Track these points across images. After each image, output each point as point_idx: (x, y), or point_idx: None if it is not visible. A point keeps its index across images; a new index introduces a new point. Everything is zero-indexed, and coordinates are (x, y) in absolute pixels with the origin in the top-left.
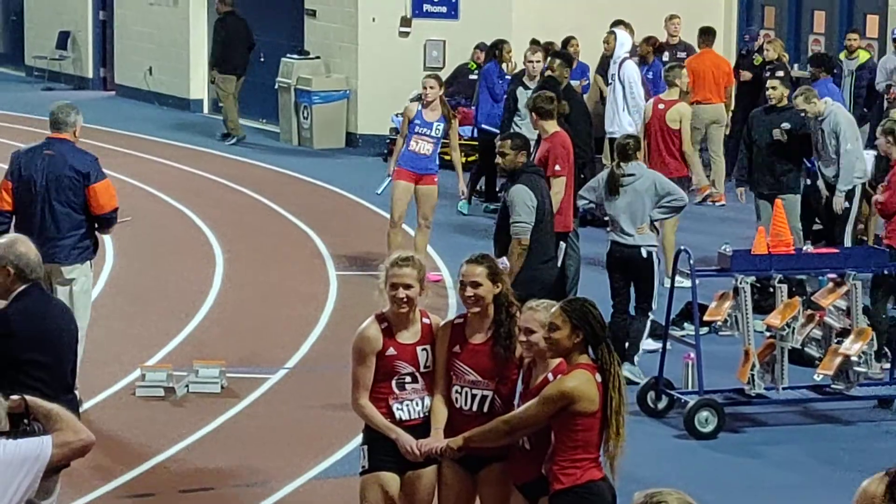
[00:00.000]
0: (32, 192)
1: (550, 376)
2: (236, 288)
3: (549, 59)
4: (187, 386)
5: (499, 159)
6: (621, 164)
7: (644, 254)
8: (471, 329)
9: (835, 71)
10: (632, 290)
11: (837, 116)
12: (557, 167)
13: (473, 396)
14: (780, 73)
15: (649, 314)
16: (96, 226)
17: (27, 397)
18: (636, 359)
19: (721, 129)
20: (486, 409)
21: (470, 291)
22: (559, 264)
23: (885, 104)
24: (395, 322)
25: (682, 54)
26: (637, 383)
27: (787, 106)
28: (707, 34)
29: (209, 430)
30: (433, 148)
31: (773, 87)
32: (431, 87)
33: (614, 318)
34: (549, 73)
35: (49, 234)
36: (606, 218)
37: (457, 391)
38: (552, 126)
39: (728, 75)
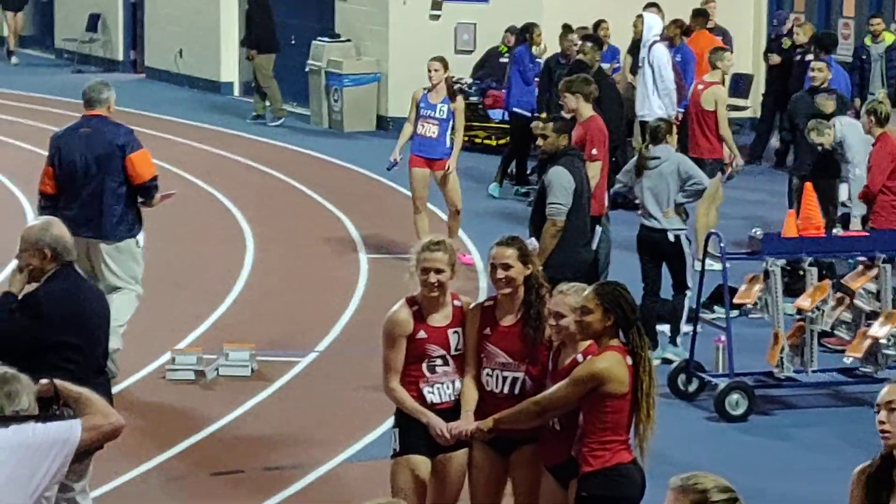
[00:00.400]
0: (75, 170)
1: (580, 357)
2: (266, 271)
3: (579, 42)
4: (217, 369)
5: (540, 141)
6: (650, 146)
7: (671, 238)
8: (501, 311)
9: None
10: (663, 272)
11: (848, 139)
12: (594, 151)
13: (504, 379)
14: (810, 57)
15: (686, 293)
16: (140, 200)
17: (56, 381)
18: (678, 339)
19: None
20: (516, 392)
21: (501, 274)
22: (594, 247)
23: None
24: (426, 305)
25: (718, 37)
26: (677, 363)
27: (830, 88)
28: (700, 16)
29: (239, 413)
30: (439, 130)
31: (820, 70)
32: (435, 70)
33: (644, 300)
34: (580, 56)
35: (94, 211)
36: (637, 201)
37: (487, 374)
38: (588, 110)
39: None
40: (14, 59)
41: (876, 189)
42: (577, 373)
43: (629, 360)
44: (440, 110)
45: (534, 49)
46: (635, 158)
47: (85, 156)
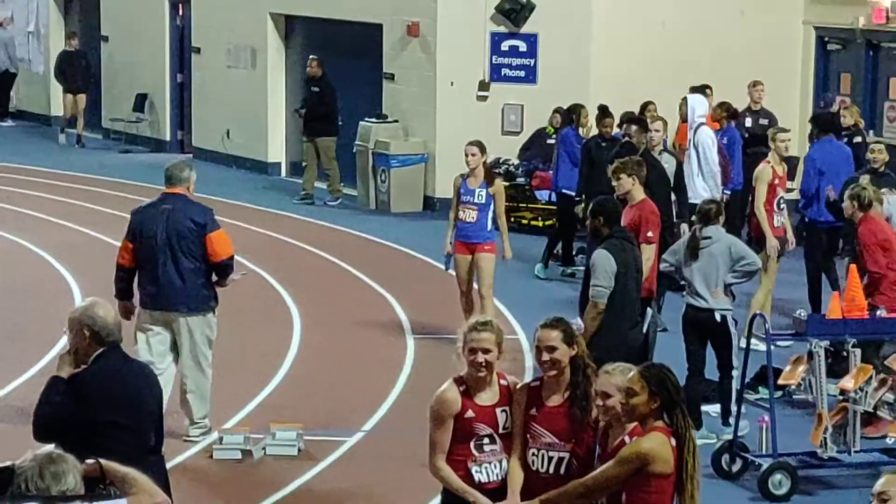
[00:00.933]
0: (154, 245)
1: (627, 439)
2: (314, 351)
3: (624, 125)
4: (264, 448)
5: (588, 223)
6: (702, 227)
7: (718, 317)
8: (547, 391)
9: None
10: (707, 352)
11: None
12: (650, 234)
13: (550, 459)
14: (858, 140)
15: (733, 373)
16: (214, 279)
17: (102, 461)
18: (730, 419)
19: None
20: (562, 472)
21: (546, 356)
22: (644, 330)
23: None
24: (473, 385)
25: (764, 121)
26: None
27: (886, 172)
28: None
29: (286, 492)
30: (478, 215)
31: (880, 151)
32: (473, 154)
33: (689, 381)
34: (626, 139)
35: (172, 286)
36: (683, 282)
37: (533, 453)
38: (640, 192)
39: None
40: (62, 139)
41: (884, 268)
42: (624, 453)
43: (673, 442)
44: (479, 195)
45: (581, 130)
46: (685, 239)
47: (166, 232)
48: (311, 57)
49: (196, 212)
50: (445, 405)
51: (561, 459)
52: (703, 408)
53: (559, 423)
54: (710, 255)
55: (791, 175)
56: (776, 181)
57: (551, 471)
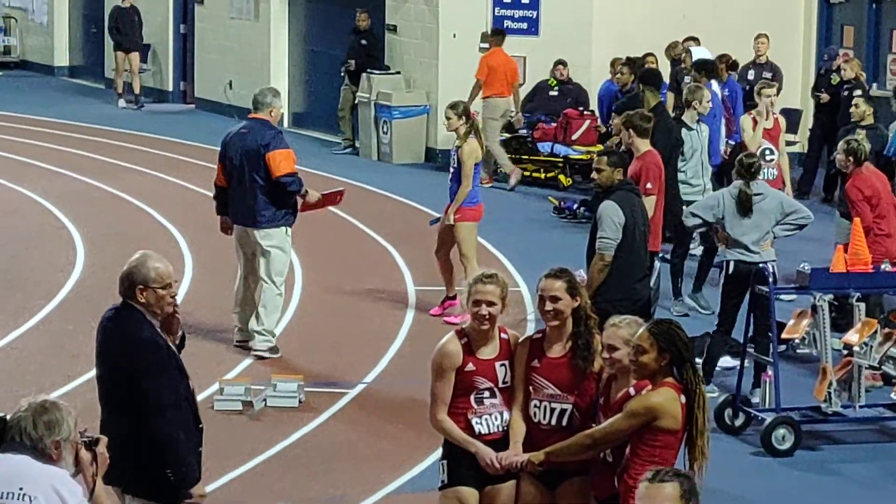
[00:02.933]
0: (233, 166)
1: (632, 390)
2: (315, 302)
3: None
4: (265, 400)
5: (594, 175)
6: (750, 183)
7: (770, 268)
8: (549, 343)
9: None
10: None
11: None
12: (649, 185)
13: (552, 410)
14: (858, 92)
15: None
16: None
17: (87, 455)
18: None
19: (505, 120)
20: (564, 423)
21: (549, 306)
22: (651, 283)
23: None
24: (476, 338)
25: (767, 74)
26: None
27: (871, 125)
28: (498, 34)
29: (287, 444)
30: (452, 176)
31: (856, 105)
32: (448, 118)
33: (716, 335)
34: (617, 76)
35: (244, 202)
36: (713, 236)
37: (535, 405)
38: (645, 145)
39: (514, 72)
40: (121, 103)
41: (870, 222)
42: (633, 406)
43: (683, 398)
44: (454, 159)
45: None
46: (723, 194)
47: (238, 152)
48: (359, 9)
49: (264, 134)
50: (447, 358)
51: (563, 411)
52: (720, 362)
53: (561, 375)
54: (761, 210)
55: (794, 128)
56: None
57: (553, 422)
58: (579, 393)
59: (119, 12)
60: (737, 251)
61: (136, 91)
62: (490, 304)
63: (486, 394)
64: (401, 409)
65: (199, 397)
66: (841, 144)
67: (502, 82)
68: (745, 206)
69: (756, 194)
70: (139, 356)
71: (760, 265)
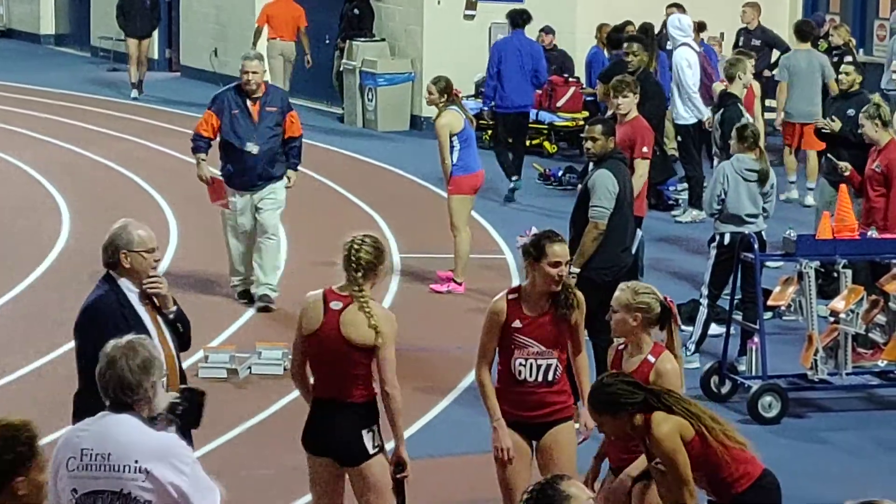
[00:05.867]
0: None
1: (651, 358)
2: (300, 270)
3: (626, 43)
4: (250, 367)
5: (588, 144)
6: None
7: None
8: (528, 303)
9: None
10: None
11: None
12: (645, 149)
13: (538, 367)
14: (849, 59)
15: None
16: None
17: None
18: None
19: (291, 64)
20: (550, 378)
21: (564, 270)
22: (634, 251)
23: None
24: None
25: (756, 42)
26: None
27: (857, 91)
28: None
29: (271, 411)
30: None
31: (846, 73)
32: (429, 93)
33: (710, 306)
34: (628, 57)
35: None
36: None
37: (521, 363)
38: (634, 110)
39: (298, 18)
40: (134, 93)
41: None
42: (665, 451)
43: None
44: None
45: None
46: (738, 169)
47: None
48: None
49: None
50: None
51: (549, 366)
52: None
53: (546, 331)
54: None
55: (770, 93)
56: None
57: (539, 379)
58: (562, 347)
59: None
60: (732, 224)
61: (140, 76)
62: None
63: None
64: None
65: (184, 364)
66: (861, 116)
67: (282, 27)
68: (765, 176)
69: (758, 170)
70: (79, 318)
71: (751, 235)
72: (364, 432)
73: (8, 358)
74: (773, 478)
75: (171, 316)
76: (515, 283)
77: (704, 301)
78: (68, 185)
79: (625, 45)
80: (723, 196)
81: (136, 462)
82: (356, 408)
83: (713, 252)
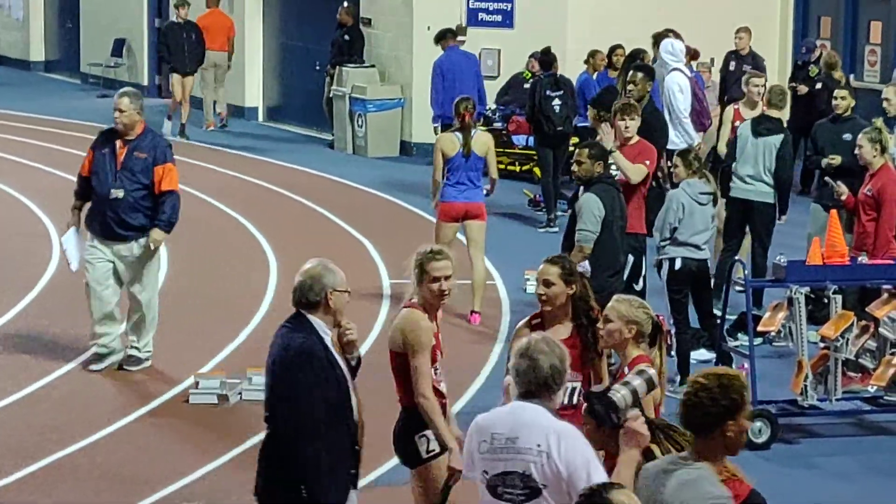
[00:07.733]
0: None
1: (626, 370)
2: (290, 295)
3: (629, 71)
4: (240, 393)
5: (575, 167)
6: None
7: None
8: (548, 328)
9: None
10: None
11: None
12: (647, 162)
13: (565, 390)
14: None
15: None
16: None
17: None
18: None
19: (224, 71)
20: (574, 402)
21: (541, 289)
22: (624, 279)
23: None
24: (430, 313)
25: (747, 67)
26: None
27: (850, 116)
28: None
29: (262, 437)
30: None
31: (842, 98)
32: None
33: (680, 333)
34: (629, 86)
35: None
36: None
37: None
38: (635, 135)
39: (229, 29)
40: (166, 128)
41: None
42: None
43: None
44: None
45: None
46: (693, 195)
47: None
48: (344, 4)
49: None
50: (426, 333)
51: (574, 389)
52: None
53: (571, 355)
54: (711, 209)
55: None
56: (738, 123)
57: (566, 402)
58: (584, 370)
59: (171, 29)
60: (685, 248)
61: (183, 119)
62: (448, 278)
63: (439, 365)
64: (376, 401)
65: (173, 392)
66: (862, 137)
67: (214, 38)
68: (716, 197)
69: (710, 192)
70: (292, 359)
71: (703, 261)
72: (416, 437)
73: (1, 383)
74: (760, 499)
75: (354, 363)
76: (505, 307)
77: (673, 330)
78: (58, 211)
79: (629, 73)
80: (676, 225)
81: (538, 445)
82: (406, 412)
83: (664, 279)
